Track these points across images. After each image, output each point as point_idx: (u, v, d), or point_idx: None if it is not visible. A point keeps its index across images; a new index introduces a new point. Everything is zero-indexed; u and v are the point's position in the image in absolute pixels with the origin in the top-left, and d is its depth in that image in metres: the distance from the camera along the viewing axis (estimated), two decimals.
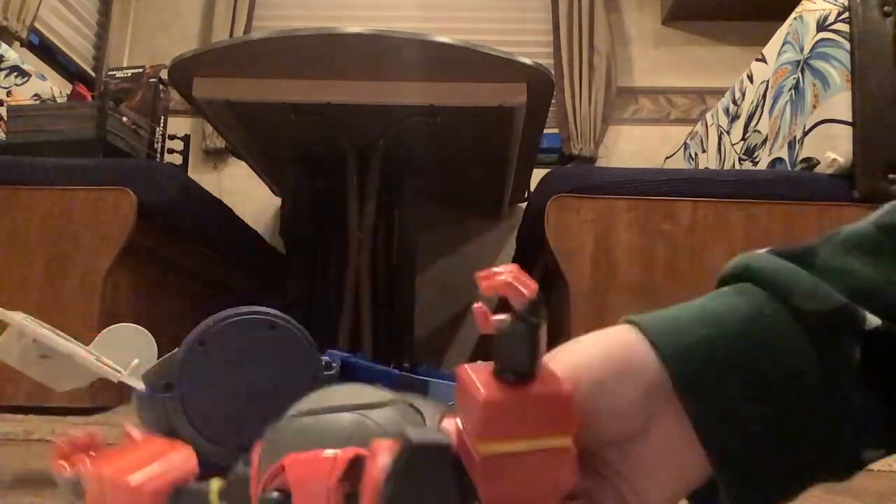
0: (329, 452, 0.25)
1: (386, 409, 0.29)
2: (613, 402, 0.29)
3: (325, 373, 0.75)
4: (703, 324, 0.30)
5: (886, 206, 0.33)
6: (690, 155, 2.24)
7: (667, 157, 2.50)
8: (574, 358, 0.30)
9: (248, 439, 0.70)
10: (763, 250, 0.33)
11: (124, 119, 1.80)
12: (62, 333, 0.77)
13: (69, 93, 2.05)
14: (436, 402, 0.31)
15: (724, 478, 0.28)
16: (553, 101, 1.73)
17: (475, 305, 0.26)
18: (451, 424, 0.27)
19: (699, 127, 2.20)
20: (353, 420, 0.28)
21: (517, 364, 0.25)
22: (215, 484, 0.32)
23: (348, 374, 0.85)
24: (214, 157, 2.81)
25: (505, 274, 0.25)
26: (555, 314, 1.64)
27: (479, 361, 0.27)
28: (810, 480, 0.30)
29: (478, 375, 0.26)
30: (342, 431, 0.28)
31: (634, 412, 0.29)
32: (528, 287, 0.25)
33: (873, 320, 0.28)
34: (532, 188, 2.10)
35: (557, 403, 0.26)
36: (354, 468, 0.25)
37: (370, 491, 0.24)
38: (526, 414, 0.25)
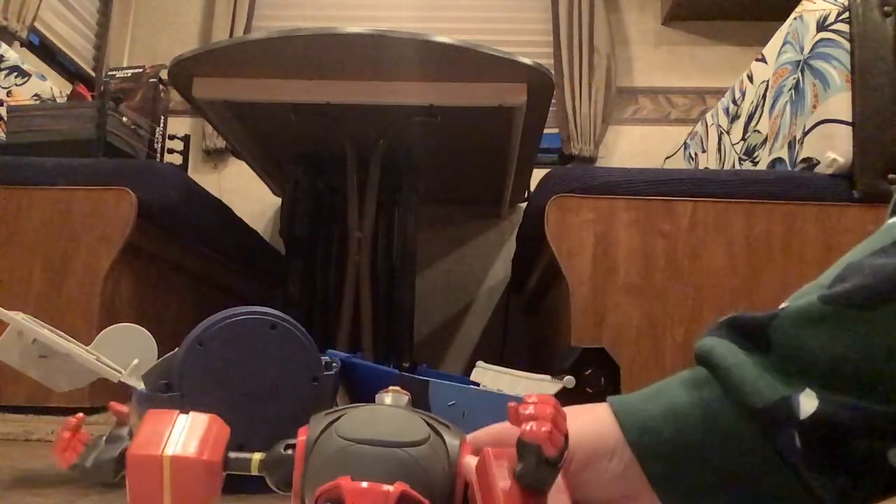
0: (385, 487, 0.31)
1: (425, 446, 0.35)
2: (599, 476, 0.36)
3: (325, 373, 0.75)
4: (668, 423, 0.36)
5: (838, 268, 0.36)
6: (690, 155, 2.24)
7: (667, 157, 2.50)
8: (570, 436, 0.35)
9: (247, 439, 0.70)
10: (725, 328, 0.38)
11: (124, 119, 1.80)
12: (62, 333, 0.77)
13: (69, 93, 2.05)
14: (456, 433, 0.37)
15: None
16: (553, 101, 1.73)
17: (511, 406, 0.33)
18: (472, 466, 0.34)
19: (699, 127, 2.20)
20: (402, 458, 0.34)
21: (536, 486, 0.32)
22: (257, 456, 0.38)
23: (348, 374, 0.85)
24: (214, 157, 2.81)
25: (543, 423, 0.31)
26: (555, 314, 1.64)
27: (498, 431, 0.38)
28: None
29: (499, 471, 0.32)
30: (392, 466, 0.34)
31: (616, 483, 0.36)
32: (558, 441, 0.31)
33: (808, 408, 0.32)
34: (532, 188, 2.10)
35: None
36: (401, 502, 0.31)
37: None
38: None
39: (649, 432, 0.36)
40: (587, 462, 0.36)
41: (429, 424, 0.37)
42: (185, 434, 0.37)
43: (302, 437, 0.37)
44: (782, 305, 0.37)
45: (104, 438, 0.38)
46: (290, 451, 0.37)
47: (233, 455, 0.38)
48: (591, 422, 0.37)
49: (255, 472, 0.38)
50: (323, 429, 0.36)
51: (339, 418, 0.37)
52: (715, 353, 0.36)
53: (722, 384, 0.35)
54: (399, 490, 0.31)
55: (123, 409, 0.42)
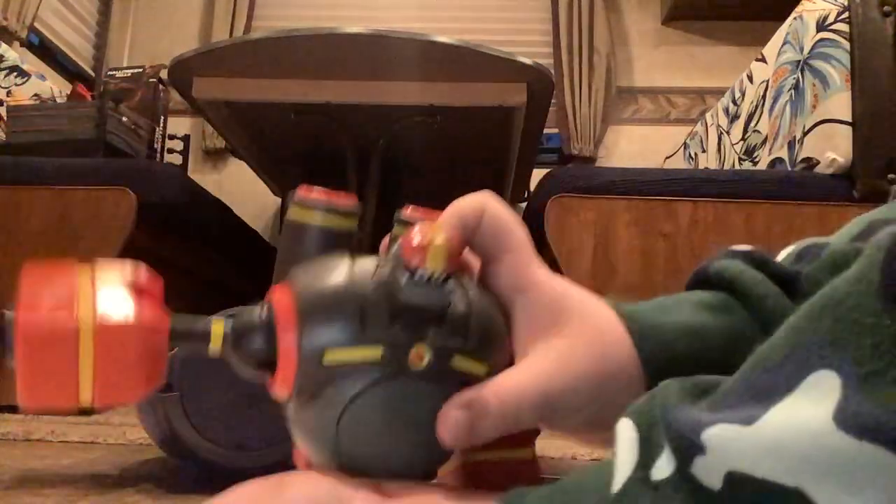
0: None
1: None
2: (602, 407, 0.30)
3: None
4: (681, 340, 0.32)
5: (861, 223, 0.34)
6: (690, 155, 2.24)
7: (667, 157, 2.50)
8: (568, 354, 0.30)
9: (247, 439, 0.71)
10: (746, 258, 0.34)
11: (124, 119, 1.80)
12: None
13: (69, 93, 2.05)
14: None
15: None
16: (553, 101, 1.73)
17: None
18: None
19: (699, 127, 2.20)
20: None
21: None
22: (217, 326, 0.29)
23: None
24: (214, 157, 2.81)
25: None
26: None
27: None
28: None
29: None
30: None
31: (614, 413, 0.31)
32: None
33: None
34: (532, 188, 2.10)
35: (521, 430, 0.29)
36: None
37: None
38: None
39: (664, 348, 0.31)
40: (591, 388, 0.30)
41: None
42: (104, 290, 0.26)
43: (285, 293, 0.28)
44: (787, 256, 0.35)
45: None
46: (266, 312, 0.28)
47: (180, 325, 0.28)
48: (593, 334, 0.31)
49: (215, 349, 0.28)
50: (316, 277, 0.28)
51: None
52: (743, 280, 0.33)
53: (752, 311, 0.32)
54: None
55: None
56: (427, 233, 0.28)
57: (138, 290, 0.27)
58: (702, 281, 0.36)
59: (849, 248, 0.32)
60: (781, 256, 0.36)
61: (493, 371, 0.29)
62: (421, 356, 0.27)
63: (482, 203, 0.33)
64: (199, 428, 0.69)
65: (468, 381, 0.28)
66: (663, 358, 0.31)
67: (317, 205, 0.32)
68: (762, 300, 0.32)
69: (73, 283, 0.26)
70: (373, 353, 0.27)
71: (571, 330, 0.31)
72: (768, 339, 0.22)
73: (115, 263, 0.28)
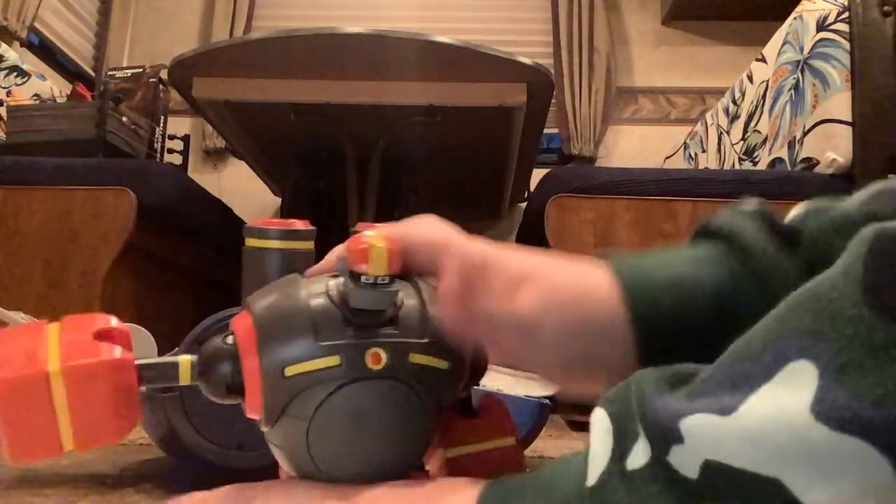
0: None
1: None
2: (581, 352, 0.31)
3: None
4: (677, 292, 0.31)
5: (873, 190, 0.33)
6: (690, 155, 2.24)
7: (667, 157, 2.50)
8: (552, 295, 0.32)
9: (247, 439, 0.70)
10: (750, 212, 0.34)
11: (124, 119, 1.80)
12: None
13: (69, 93, 2.05)
14: None
15: None
16: (553, 101, 1.73)
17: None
18: None
19: (699, 127, 2.20)
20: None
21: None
22: (184, 359, 0.30)
23: None
24: (214, 157, 2.81)
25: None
26: None
27: None
28: None
29: None
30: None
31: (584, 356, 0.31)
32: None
33: None
34: (532, 188, 2.10)
35: (500, 418, 0.31)
36: None
37: None
38: (473, 429, 0.30)
39: (651, 301, 0.31)
40: (573, 334, 0.31)
41: None
42: (70, 339, 0.28)
43: (245, 319, 0.29)
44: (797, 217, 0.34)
45: None
46: (229, 340, 0.29)
47: (146, 361, 0.29)
48: (582, 287, 0.33)
49: (185, 382, 0.30)
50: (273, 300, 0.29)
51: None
52: (742, 233, 0.33)
53: (748, 264, 0.32)
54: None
55: None
56: (367, 239, 0.28)
57: (105, 337, 0.29)
58: (703, 233, 0.35)
59: (855, 211, 0.32)
60: (790, 216, 0.36)
61: (455, 364, 0.30)
62: (378, 357, 0.28)
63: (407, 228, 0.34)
64: (199, 428, 0.69)
65: (430, 376, 0.29)
66: (650, 310, 0.31)
67: (273, 231, 0.33)
68: (759, 254, 0.32)
69: (41, 338, 0.28)
70: (331, 361, 0.28)
71: (529, 288, 0.32)
72: (748, 330, 0.22)
73: (83, 316, 0.30)
